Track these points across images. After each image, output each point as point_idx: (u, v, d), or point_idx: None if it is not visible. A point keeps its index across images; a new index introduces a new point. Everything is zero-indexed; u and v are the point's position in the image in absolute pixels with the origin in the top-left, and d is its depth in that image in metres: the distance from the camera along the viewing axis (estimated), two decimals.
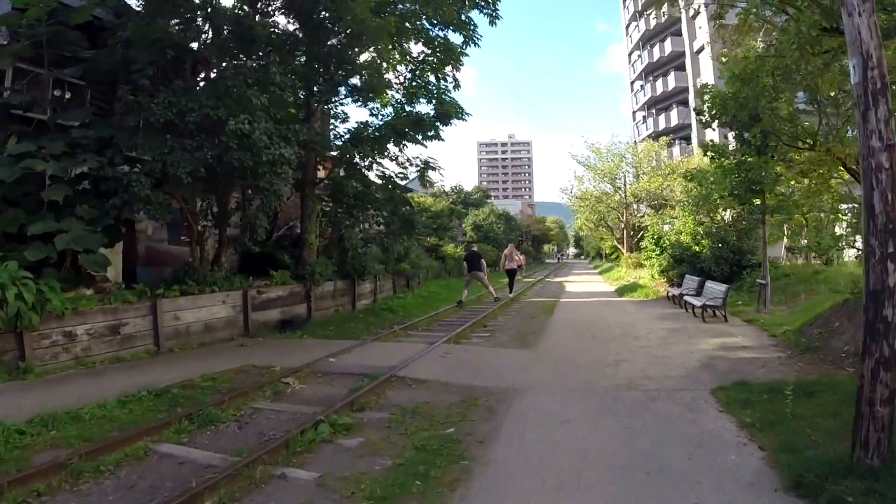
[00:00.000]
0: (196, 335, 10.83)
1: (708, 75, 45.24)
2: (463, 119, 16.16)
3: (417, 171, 16.65)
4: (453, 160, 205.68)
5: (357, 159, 15.61)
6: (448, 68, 15.81)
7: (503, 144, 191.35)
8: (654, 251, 20.16)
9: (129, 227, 12.23)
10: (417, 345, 10.25)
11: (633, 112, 57.01)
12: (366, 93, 14.89)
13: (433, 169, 16.69)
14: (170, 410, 6.05)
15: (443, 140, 16.77)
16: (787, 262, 20.41)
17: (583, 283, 29.24)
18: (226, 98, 10.09)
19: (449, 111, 15.59)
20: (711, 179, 15.07)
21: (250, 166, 10.16)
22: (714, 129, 15.81)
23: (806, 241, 20.30)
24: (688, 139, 46.22)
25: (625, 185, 31.40)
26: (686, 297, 15.02)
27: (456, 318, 15.02)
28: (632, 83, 58.72)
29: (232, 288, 12.29)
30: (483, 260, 19.08)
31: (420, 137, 16.46)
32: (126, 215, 10.44)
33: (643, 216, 31.67)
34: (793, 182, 14.96)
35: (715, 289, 13.98)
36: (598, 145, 32.44)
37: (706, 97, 14.72)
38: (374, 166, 16.24)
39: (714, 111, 14.26)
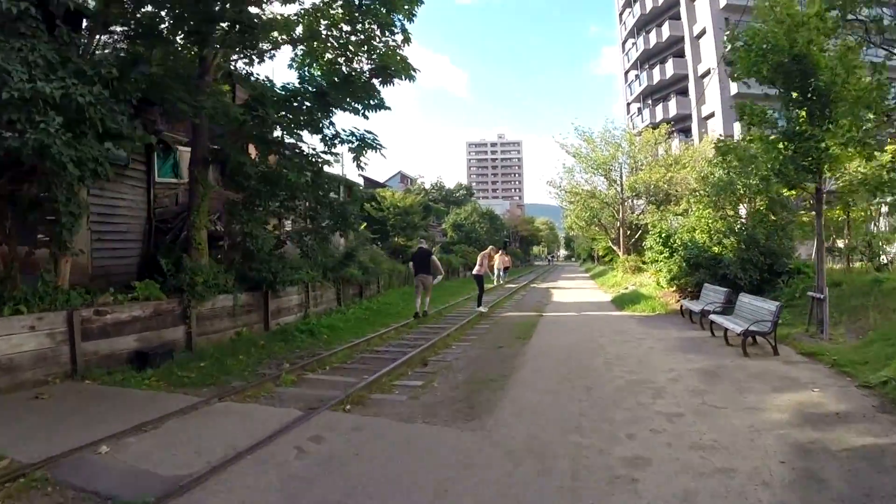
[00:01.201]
0: None
1: (710, 60, 41.50)
2: (410, 77, 11.98)
3: (351, 149, 12.42)
4: (441, 162, 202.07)
5: (265, 132, 11.46)
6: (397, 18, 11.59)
7: (493, 144, 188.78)
8: (661, 253, 16.08)
9: None
10: (283, 412, 6.06)
11: (628, 104, 53.22)
12: (255, 33, 10.63)
13: (373, 147, 12.47)
14: None
15: (387, 108, 12.58)
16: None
17: (573, 291, 25.13)
18: None
19: (387, 63, 11.40)
20: (754, 149, 11.00)
21: None
22: (748, 85, 11.69)
23: (847, 239, 16.36)
24: (687, 131, 42.41)
25: (621, 177, 27.36)
26: (713, 317, 10.93)
27: (393, 345, 10.87)
28: (626, 73, 54.93)
29: (52, 306, 8.16)
30: (436, 261, 14.97)
31: (358, 106, 12.35)
32: None
33: (642, 213, 27.64)
34: (856, 161, 10.91)
35: (757, 306, 9.90)
36: (590, 133, 28.44)
37: (739, 41, 10.73)
38: (288, 139, 12.08)
39: (752, 57, 10.24)
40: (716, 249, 15.01)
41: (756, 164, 14.06)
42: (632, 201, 28.80)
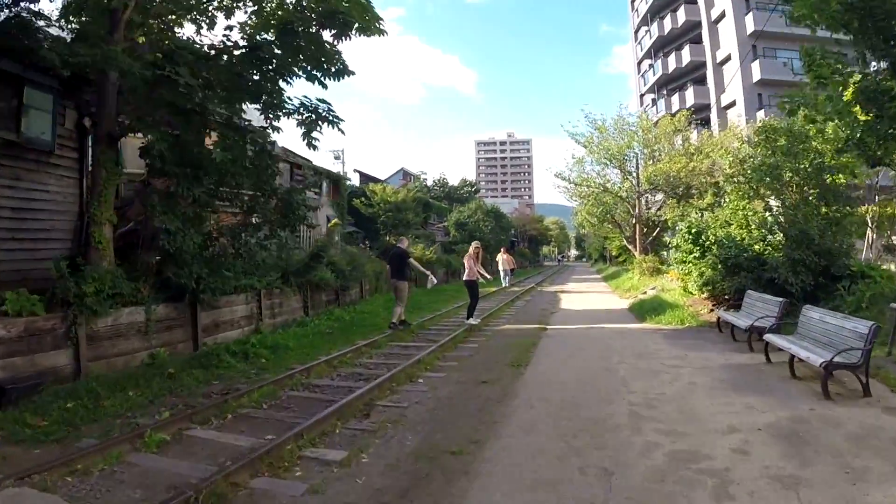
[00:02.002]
0: None
1: (730, 45, 38.52)
2: (376, 30, 9.35)
3: (301, 123, 9.81)
4: (450, 162, 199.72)
5: (181, 99, 8.89)
6: None
7: (502, 143, 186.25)
8: (690, 253, 13.36)
9: None
10: None
11: (641, 95, 50.25)
12: None
13: (329, 121, 9.85)
14: None
15: (350, 73, 9.95)
16: (883, 266, 13.60)
17: (584, 296, 22.38)
18: None
19: (337, 7, 8.75)
20: (830, 109, 8.30)
21: None
22: (811, 29, 8.89)
23: None
24: (706, 122, 39.42)
25: (637, 168, 24.54)
26: (772, 338, 8.21)
27: (342, 375, 8.31)
28: (638, 63, 52.00)
29: None
30: (415, 263, 12.39)
31: (315, 72, 9.78)
32: None
33: (660, 208, 24.83)
34: None
35: (835, 326, 7.19)
36: (602, 120, 25.64)
37: None
38: (221, 112, 9.53)
39: None
40: (757, 248, 12.27)
41: (806, 144, 11.39)
42: (649, 196, 26.00)
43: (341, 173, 43.51)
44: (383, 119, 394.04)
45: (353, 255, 18.65)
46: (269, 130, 10.15)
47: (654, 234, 25.90)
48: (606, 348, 9.88)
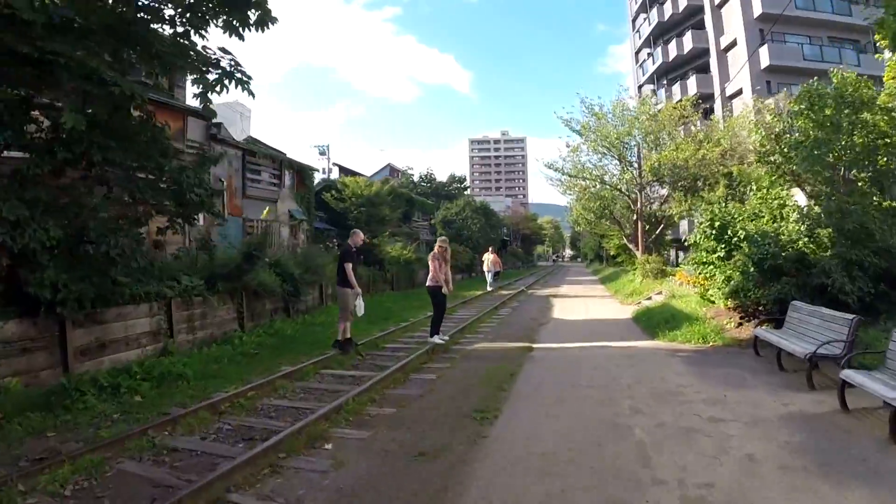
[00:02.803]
0: None
1: (736, 29, 36.00)
2: None
3: (196, 81, 7.06)
4: (445, 161, 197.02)
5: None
6: None
7: (496, 142, 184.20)
8: (713, 252, 10.73)
9: None
10: None
11: (639, 87, 47.58)
12: None
13: (239, 81, 7.06)
14: None
15: (274, 21, 7.15)
16: None
17: (580, 301, 19.73)
18: None
19: None
20: None
21: None
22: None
23: None
24: (709, 112, 36.83)
25: (639, 158, 21.86)
26: (858, 377, 5.57)
27: (226, 429, 5.59)
28: (636, 53, 49.43)
29: None
30: (348, 270, 9.70)
31: (218, 10, 7.04)
32: None
33: (665, 203, 22.21)
34: None
35: None
36: (599, 105, 22.94)
37: None
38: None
39: None
40: (800, 244, 9.65)
41: (861, 115, 8.78)
42: (651, 189, 23.37)
43: (327, 167, 40.79)
44: (377, 119, 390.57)
45: (308, 255, 15.93)
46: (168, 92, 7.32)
47: (658, 232, 23.27)
48: (612, 382, 7.20)
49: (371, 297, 19.85)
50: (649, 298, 17.12)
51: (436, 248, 10.23)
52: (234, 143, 19.41)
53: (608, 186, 23.15)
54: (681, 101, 25.51)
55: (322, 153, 50.46)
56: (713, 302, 11.53)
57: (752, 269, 9.80)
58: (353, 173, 36.04)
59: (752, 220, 10.67)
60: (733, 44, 35.64)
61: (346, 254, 9.77)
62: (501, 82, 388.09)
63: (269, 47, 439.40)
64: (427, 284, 10.15)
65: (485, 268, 22.73)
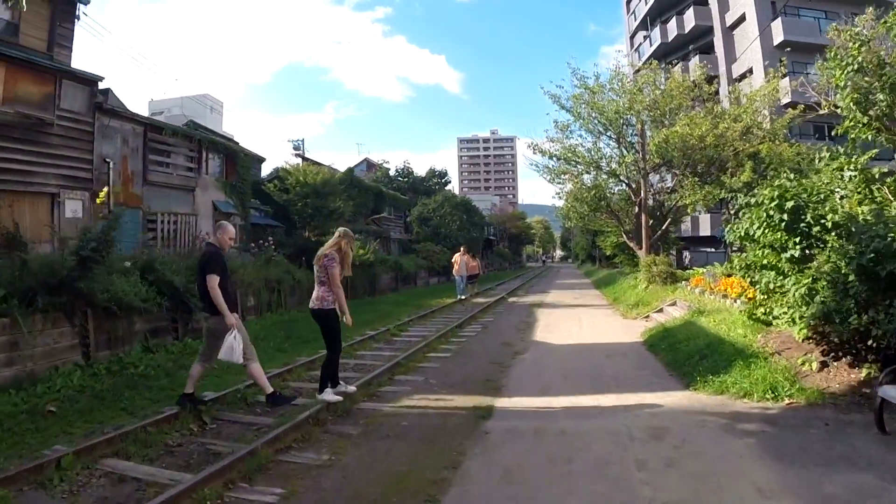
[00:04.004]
0: None
1: (743, 4, 32.35)
2: None
3: None
4: (435, 161, 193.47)
5: None
6: None
7: (485, 141, 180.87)
8: (781, 249, 6.78)
9: None
10: None
11: (635, 72, 43.71)
12: None
13: None
14: None
15: None
16: None
17: (571, 313, 15.80)
18: None
19: None
20: None
21: None
22: None
23: None
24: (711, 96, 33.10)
25: (642, 136, 17.92)
26: None
27: None
28: (631, 37, 45.62)
29: None
30: (212, 283, 5.69)
31: None
32: None
33: (673, 192, 18.33)
34: None
35: None
36: (595, 76, 19.01)
37: None
38: None
39: None
40: None
41: None
42: (656, 175, 19.54)
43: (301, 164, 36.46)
44: (368, 120, 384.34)
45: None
46: None
47: (664, 227, 19.43)
48: None
49: (302, 313, 15.92)
50: (660, 311, 13.25)
51: (326, 247, 6.25)
52: (132, 116, 15.33)
53: (604, 173, 19.21)
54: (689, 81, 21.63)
55: (296, 148, 46.65)
56: (770, 323, 7.66)
57: (850, 279, 5.90)
58: (318, 165, 31.97)
59: (824, 202, 6.79)
60: (741, 19, 31.99)
61: (210, 261, 5.84)
62: (493, 83, 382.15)
63: (258, 48, 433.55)
64: (311, 306, 6.13)
65: (454, 272, 18.76)
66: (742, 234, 7.40)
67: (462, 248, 19.25)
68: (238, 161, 18.66)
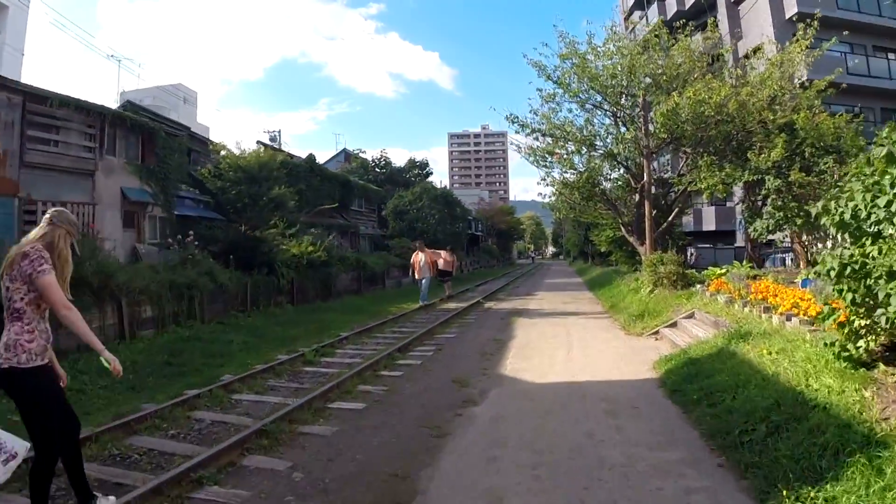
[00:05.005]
0: None
1: None
2: None
3: None
4: (428, 157, 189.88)
5: None
6: None
7: (476, 136, 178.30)
8: None
9: None
10: None
11: (632, 34, 40.55)
12: None
13: None
14: None
15: None
16: None
17: (558, 324, 12.65)
18: None
19: None
20: None
21: None
22: None
23: None
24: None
25: (644, 110, 14.73)
26: None
27: None
28: (626, 17, 42.25)
29: None
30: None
31: None
32: None
33: (685, 174, 15.15)
34: None
35: None
36: (589, 35, 15.77)
37: None
38: None
39: None
40: None
41: None
42: (661, 156, 16.44)
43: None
44: (361, 116, 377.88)
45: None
46: None
47: (671, 219, 16.29)
48: None
49: (245, 320, 12.74)
50: (673, 325, 10.13)
51: (28, 240, 3.03)
52: (2, 83, 12.01)
53: (599, 155, 15.98)
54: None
55: (273, 139, 43.57)
56: (868, 365, 4.55)
57: None
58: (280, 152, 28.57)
59: None
60: None
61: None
62: (486, 80, 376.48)
63: (249, 43, 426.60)
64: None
65: (416, 274, 15.52)
66: (842, 217, 4.23)
67: (418, 244, 15.95)
68: (158, 141, 15.32)
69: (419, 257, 15.34)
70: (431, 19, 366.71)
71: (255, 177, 15.34)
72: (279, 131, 42.03)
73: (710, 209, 31.92)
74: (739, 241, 28.21)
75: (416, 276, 15.48)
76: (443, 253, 18.42)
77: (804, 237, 14.08)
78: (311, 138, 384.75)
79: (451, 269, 18.63)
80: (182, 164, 16.78)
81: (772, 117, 12.83)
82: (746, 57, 28.40)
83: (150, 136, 15.19)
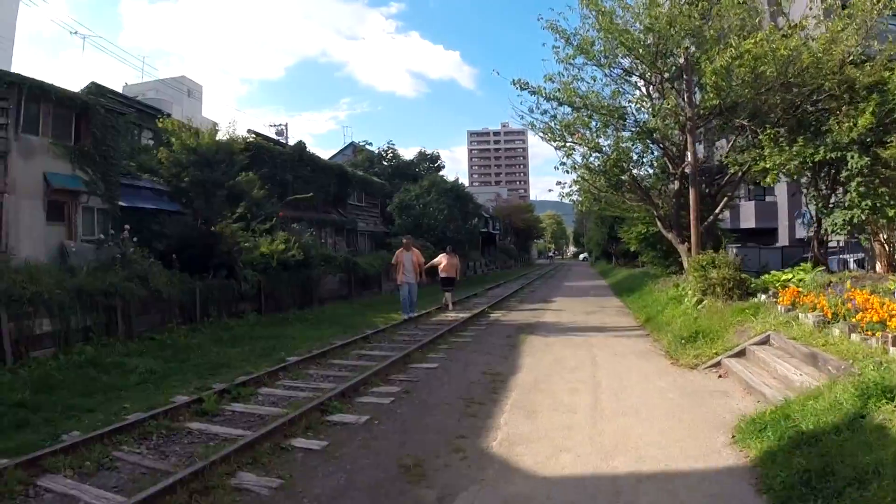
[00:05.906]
0: None
1: None
2: None
3: None
4: (451, 160, 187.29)
5: None
6: None
7: (496, 134, 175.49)
8: None
9: None
10: None
11: None
12: None
13: None
14: None
15: None
16: None
17: (581, 345, 9.80)
18: None
19: None
20: None
21: None
22: None
23: None
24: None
25: (688, 72, 11.67)
26: None
27: None
28: None
29: None
30: None
31: None
32: None
33: (740, 151, 12.02)
34: None
35: None
36: None
37: None
38: None
39: None
40: None
41: None
42: (708, 131, 13.36)
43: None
44: (382, 116, 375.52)
45: None
46: None
47: (718, 211, 13.25)
48: None
49: (185, 335, 10.17)
50: (740, 353, 7.20)
51: None
52: None
53: (630, 131, 12.97)
54: None
55: (279, 133, 41.40)
56: None
57: None
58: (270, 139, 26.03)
59: None
60: None
61: None
62: (507, 79, 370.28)
63: (270, 44, 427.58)
64: None
65: (398, 279, 12.66)
66: None
67: (404, 242, 13.09)
68: (95, 119, 12.79)
69: (403, 257, 12.52)
70: (452, 19, 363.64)
71: (211, 160, 12.70)
72: (286, 125, 39.72)
73: (749, 204, 28.43)
74: (782, 240, 24.88)
75: (398, 281, 12.66)
76: (442, 255, 15.54)
77: (885, 234, 11.03)
78: (331, 138, 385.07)
79: (455, 274, 15.75)
80: (135, 148, 14.32)
81: (858, 74, 9.75)
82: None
83: (85, 112, 12.68)
